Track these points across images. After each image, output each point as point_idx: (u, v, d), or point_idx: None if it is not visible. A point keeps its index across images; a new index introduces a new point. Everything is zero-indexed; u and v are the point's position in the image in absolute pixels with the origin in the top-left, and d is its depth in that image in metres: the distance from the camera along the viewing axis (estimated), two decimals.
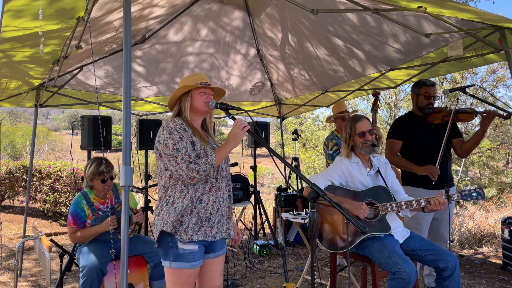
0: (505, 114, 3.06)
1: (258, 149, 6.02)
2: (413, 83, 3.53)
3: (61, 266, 2.97)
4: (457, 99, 3.81)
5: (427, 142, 3.33)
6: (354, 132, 2.76)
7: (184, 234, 2.05)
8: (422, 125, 3.39)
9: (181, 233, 2.05)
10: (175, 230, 2.05)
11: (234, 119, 2.15)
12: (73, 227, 3.07)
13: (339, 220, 2.68)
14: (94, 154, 3.70)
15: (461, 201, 3.02)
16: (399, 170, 3.61)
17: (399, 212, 2.75)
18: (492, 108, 3.16)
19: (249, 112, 5.47)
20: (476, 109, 3.31)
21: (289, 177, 7.72)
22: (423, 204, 2.62)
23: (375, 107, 3.96)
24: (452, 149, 3.50)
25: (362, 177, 2.74)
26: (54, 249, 2.78)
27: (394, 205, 2.64)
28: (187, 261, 2.06)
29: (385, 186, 2.74)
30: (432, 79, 4.05)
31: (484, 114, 3.12)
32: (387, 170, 2.87)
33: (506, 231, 4.55)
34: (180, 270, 2.07)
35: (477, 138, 3.28)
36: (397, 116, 9.15)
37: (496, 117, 3.08)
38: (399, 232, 2.74)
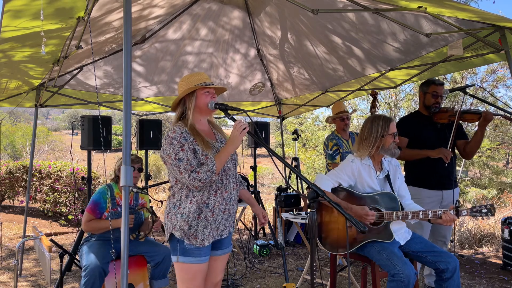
0: (507, 115, 3.07)
1: (258, 149, 6.02)
2: (421, 82, 3.53)
3: (61, 266, 2.97)
4: (463, 99, 3.80)
5: (433, 142, 3.32)
6: (387, 132, 2.63)
7: (194, 238, 2.10)
8: (428, 125, 3.39)
9: (190, 237, 2.10)
10: (182, 235, 2.09)
11: (233, 119, 2.14)
12: (90, 214, 3.10)
13: (343, 222, 2.66)
14: (94, 154, 3.70)
15: (461, 201, 3.04)
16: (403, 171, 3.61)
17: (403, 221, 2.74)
18: (492, 108, 3.17)
19: (249, 112, 5.44)
20: (477, 108, 3.30)
21: (289, 177, 7.72)
22: (430, 216, 2.58)
23: (373, 107, 3.96)
24: (456, 151, 3.50)
25: (370, 180, 2.71)
26: (54, 249, 2.77)
27: (400, 214, 2.60)
28: (193, 256, 2.10)
29: (393, 193, 2.71)
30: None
31: (483, 115, 3.14)
32: (396, 174, 2.83)
33: (506, 231, 4.55)
34: (187, 264, 2.11)
35: (477, 139, 3.31)
36: (397, 116, 9.16)
37: (496, 117, 3.09)
38: (401, 234, 2.73)
